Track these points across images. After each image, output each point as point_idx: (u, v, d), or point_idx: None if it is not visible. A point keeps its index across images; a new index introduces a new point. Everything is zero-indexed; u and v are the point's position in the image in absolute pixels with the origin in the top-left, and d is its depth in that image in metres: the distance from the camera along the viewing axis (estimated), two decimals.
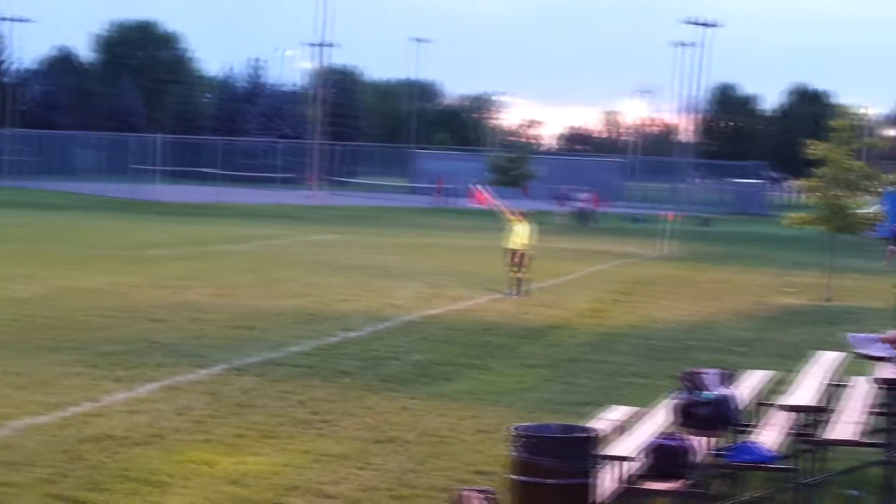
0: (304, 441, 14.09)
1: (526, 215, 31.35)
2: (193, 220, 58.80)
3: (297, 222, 61.60)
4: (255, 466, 12.85)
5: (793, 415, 11.99)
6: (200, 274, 32.00)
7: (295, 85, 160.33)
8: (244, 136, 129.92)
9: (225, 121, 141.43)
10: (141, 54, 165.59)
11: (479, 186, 34.37)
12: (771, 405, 13.55)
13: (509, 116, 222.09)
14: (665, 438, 11.49)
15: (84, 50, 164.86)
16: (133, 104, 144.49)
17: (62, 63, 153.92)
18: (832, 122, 34.07)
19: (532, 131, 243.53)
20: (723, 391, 11.26)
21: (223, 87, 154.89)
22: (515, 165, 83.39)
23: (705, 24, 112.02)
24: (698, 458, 11.47)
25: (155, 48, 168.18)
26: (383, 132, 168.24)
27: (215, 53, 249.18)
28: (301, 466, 12.94)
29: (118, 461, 12.82)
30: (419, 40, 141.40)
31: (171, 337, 21.27)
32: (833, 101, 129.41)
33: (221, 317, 24.01)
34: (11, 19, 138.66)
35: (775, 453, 11.56)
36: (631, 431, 12.12)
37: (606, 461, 10.97)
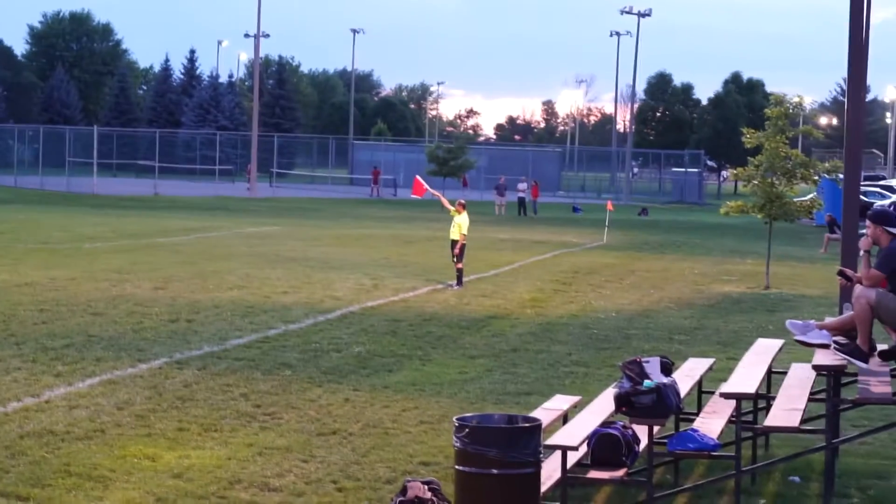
0: (247, 434, 14.06)
1: (465, 206, 31.33)
2: (131, 213, 58.45)
3: (235, 214, 61.37)
4: (198, 460, 12.81)
5: (734, 402, 12.07)
6: (138, 267, 31.82)
7: (231, 76, 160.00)
8: (181, 127, 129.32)
9: (161, 112, 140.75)
10: (75, 46, 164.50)
11: (418, 177, 34.28)
12: (712, 393, 13.65)
13: (447, 107, 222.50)
14: (607, 427, 11.55)
15: (17, 42, 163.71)
16: (68, 96, 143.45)
17: None
18: (767, 111, 34.26)
19: (470, 121, 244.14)
20: (664, 379, 11.32)
21: (159, 79, 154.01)
22: (454, 156, 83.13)
23: (640, 14, 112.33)
24: (640, 447, 11.55)
25: (89, 40, 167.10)
26: (321, 123, 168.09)
27: (150, 45, 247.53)
28: (244, 459, 12.91)
29: (60, 456, 12.75)
30: (355, 31, 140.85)
31: (110, 331, 21.15)
32: (768, 89, 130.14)
33: (160, 310, 23.89)
34: None
35: (717, 441, 11.65)
36: (573, 421, 12.17)
37: (549, 450, 11.02)
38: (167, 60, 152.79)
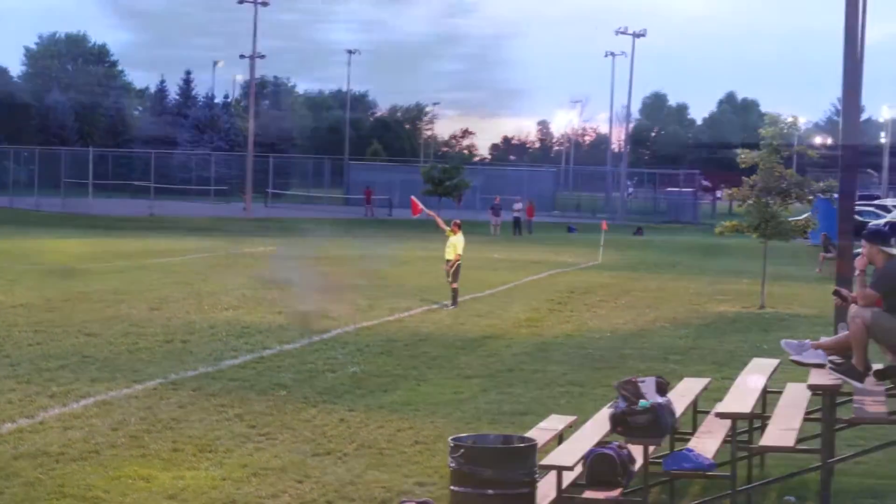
0: (242, 455, 14.03)
1: (460, 226, 31.29)
2: (126, 234, 58.41)
3: (230, 235, 61.34)
4: (192, 481, 12.77)
5: (729, 422, 12.06)
6: (134, 287, 31.80)
7: (227, 97, 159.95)
8: (177, 148, 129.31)
9: (157, 133, 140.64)
10: (71, 67, 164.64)
11: (413, 197, 34.33)
12: (707, 413, 13.64)
13: (442, 127, 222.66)
14: (603, 447, 11.54)
15: (13, 62, 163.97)
16: (63, 117, 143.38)
17: None
18: (761, 131, 34.29)
19: (465, 141, 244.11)
20: (659, 399, 11.31)
21: (154, 100, 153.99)
22: (449, 176, 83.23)
23: (635, 34, 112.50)
24: (636, 467, 11.53)
25: (85, 61, 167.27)
26: (316, 144, 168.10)
27: (146, 66, 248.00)
28: (239, 480, 12.88)
29: (54, 477, 12.72)
30: (350, 52, 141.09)
31: (105, 351, 21.12)
32: (763, 109, 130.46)
33: (155, 330, 23.86)
34: None
35: (712, 461, 11.63)
36: (569, 441, 12.16)
37: (545, 471, 11.00)
38: (163, 81, 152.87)
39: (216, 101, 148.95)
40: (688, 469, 11.51)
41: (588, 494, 11.26)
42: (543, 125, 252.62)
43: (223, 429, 15.34)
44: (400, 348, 22.97)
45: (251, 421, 15.86)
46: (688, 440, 12.72)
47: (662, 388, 11.58)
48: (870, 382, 12.03)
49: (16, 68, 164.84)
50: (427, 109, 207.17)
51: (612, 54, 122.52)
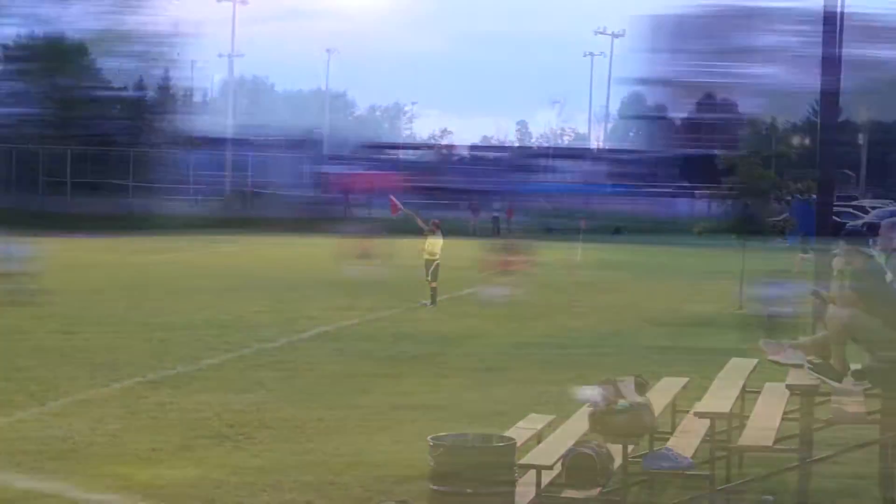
0: (220, 454, 14.01)
1: (439, 225, 31.31)
2: (105, 232, 58.17)
3: (209, 232, 61.17)
4: (171, 480, 12.75)
5: (708, 421, 12.08)
6: (112, 286, 31.72)
7: (205, 95, 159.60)
8: (155, 147, 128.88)
9: (135, 132, 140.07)
10: (49, 65, 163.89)
11: (392, 196, 34.36)
12: (686, 412, 13.66)
13: (421, 126, 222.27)
14: (582, 446, 11.54)
15: None
16: (41, 116, 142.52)
17: None
18: (741, 132, 34.41)
19: (445, 141, 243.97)
20: (638, 399, 11.32)
21: (133, 98, 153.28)
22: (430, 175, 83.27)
23: (614, 35, 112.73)
24: (615, 466, 11.54)
25: (63, 60, 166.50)
26: (295, 142, 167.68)
27: (124, 64, 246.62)
28: (218, 479, 12.85)
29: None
30: (329, 50, 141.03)
31: (83, 350, 21.07)
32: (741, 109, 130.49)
33: (135, 329, 23.83)
34: None
35: (691, 460, 11.64)
36: (548, 440, 12.16)
37: (524, 470, 11.00)
38: (141, 79, 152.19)
39: (195, 99, 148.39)
40: (667, 468, 11.51)
41: (567, 494, 11.26)
42: (522, 125, 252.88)
43: (202, 428, 15.32)
44: (379, 347, 22.96)
45: (230, 420, 15.84)
46: (667, 439, 12.73)
47: (641, 388, 11.59)
48: (848, 382, 12.05)
49: None
50: (406, 109, 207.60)
51: (591, 54, 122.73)
